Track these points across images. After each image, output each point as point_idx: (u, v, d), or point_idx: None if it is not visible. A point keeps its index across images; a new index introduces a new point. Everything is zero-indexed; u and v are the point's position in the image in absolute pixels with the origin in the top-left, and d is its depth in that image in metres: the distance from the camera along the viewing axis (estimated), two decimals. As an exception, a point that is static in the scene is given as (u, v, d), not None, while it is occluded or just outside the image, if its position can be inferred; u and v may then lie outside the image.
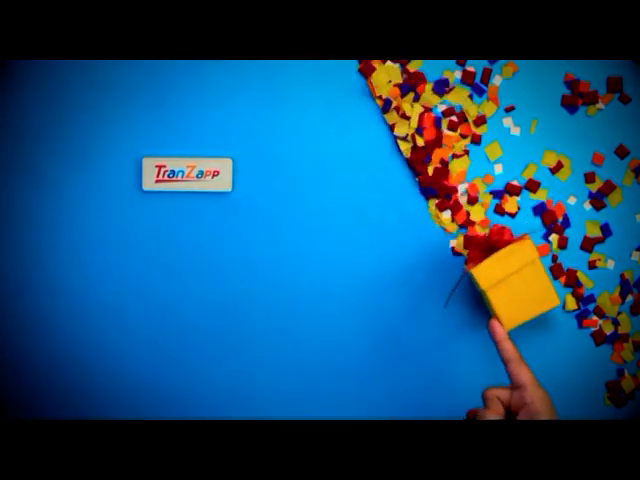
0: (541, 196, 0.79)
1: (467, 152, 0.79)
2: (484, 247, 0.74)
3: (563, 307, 0.79)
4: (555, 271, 0.79)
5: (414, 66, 0.78)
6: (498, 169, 0.80)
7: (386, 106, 0.78)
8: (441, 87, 0.78)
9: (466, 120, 0.79)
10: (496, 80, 0.79)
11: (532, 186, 0.79)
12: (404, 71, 0.78)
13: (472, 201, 0.79)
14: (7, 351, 0.81)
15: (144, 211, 0.80)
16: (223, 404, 0.81)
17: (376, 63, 0.78)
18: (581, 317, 0.79)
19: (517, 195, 0.79)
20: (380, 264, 0.80)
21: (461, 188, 0.79)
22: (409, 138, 0.78)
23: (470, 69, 0.78)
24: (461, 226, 0.79)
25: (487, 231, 0.79)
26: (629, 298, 0.79)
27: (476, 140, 0.79)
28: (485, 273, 0.71)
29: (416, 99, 0.78)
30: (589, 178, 0.79)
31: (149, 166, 0.79)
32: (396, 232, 0.80)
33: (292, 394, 0.81)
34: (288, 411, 0.81)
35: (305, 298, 0.81)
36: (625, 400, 0.79)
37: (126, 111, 0.79)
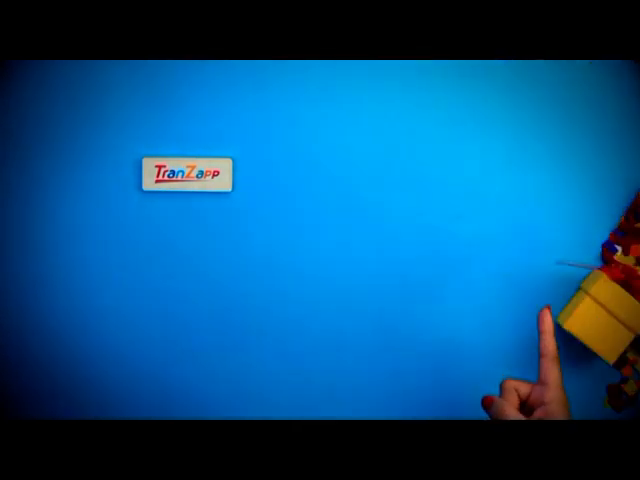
0: None
1: None
2: (623, 279, 0.75)
3: None
4: None
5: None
6: None
7: None
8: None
9: None
10: None
11: None
12: None
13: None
14: (7, 351, 0.81)
15: (144, 211, 0.80)
16: (223, 404, 0.81)
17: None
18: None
19: None
20: (379, 264, 0.80)
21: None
22: None
23: None
24: None
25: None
26: None
27: None
28: (604, 292, 0.74)
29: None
30: None
31: (149, 166, 0.79)
32: (395, 231, 0.80)
33: (292, 394, 0.81)
34: (288, 411, 0.81)
35: (305, 297, 0.81)
36: (626, 403, 0.79)
37: (126, 111, 0.79)
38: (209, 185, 0.80)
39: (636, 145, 0.80)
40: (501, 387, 0.66)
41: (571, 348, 0.79)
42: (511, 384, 0.65)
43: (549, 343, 0.66)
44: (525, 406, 0.65)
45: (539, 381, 0.64)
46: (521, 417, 0.62)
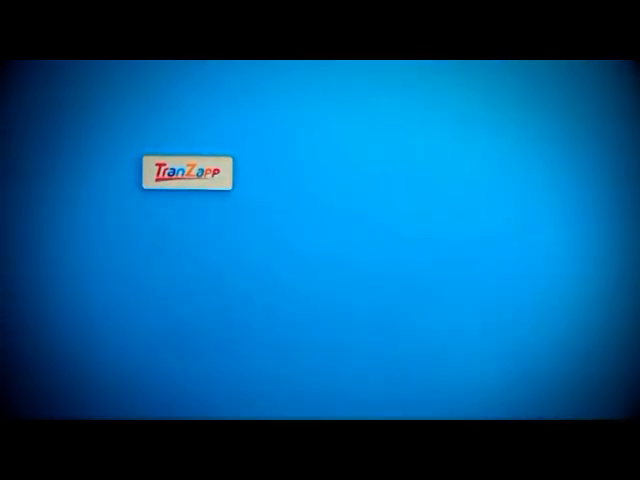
0: None
1: None
2: None
3: None
4: None
5: None
6: None
7: None
8: None
9: None
10: None
11: None
12: None
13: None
14: (7, 350, 0.80)
15: (144, 209, 0.80)
16: (223, 404, 0.81)
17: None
18: None
19: None
20: (379, 263, 0.80)
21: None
22: None
23: None
24: None
25: None
26: None
27: None
28: None
29: None
30: None
31: (149, 164, 0.79)
32: (394, 230, 0.80)
33: (292, 394, 0.81)
34: (287, 411, 0.81)
35: (305, 296, 0.81)
36: None
37: (126, 110, 0.79)
38: (209, 183, 0.80)
39: (636, 145, 0.80)
40: None
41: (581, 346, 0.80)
42: None
43: None
44: None
45: None
46: None
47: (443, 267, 0.80)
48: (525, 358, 0.79)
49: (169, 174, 0.79)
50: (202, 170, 0.80)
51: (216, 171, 0.80)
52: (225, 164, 0.80)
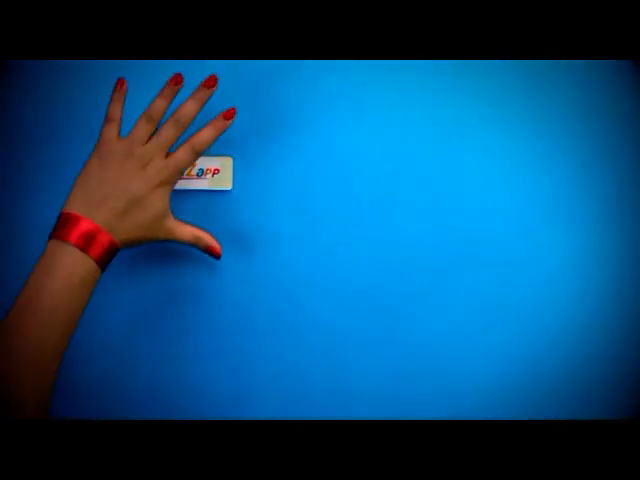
0: None
1: None
2: None
3: None
4: None
5: None
6: None
7: None
8: None
9: None
10: None
11: None
12: None
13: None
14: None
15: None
16: (223, 404, 0.81)
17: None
18: None
19: None
20: (380, 263, 0.81)
21: None
22: None
23: None
24: None
25: None
26: None
27: None
28: None
29: None
30: None
31: (149, 165, 0.79)
32: (395, 231, 0.80)
33: (293, 394, 0.81)
34: (288, 411, 0.81)
35: (305, 296, 0.81)
36: None
37: (126, 110, 0.79)
38: (209, 183, 0.80)
39: (636, 145, 0.80)
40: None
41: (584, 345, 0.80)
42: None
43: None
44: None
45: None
46: None
47: (443, 267, 0.80)
48: (525, 358, 0.79)
49: (169, 174, 0.79)
50: (202, 170, 0.80)
51: (216, 171, 0.80)
52: (225, 164, 0.80)
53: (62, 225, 0.63)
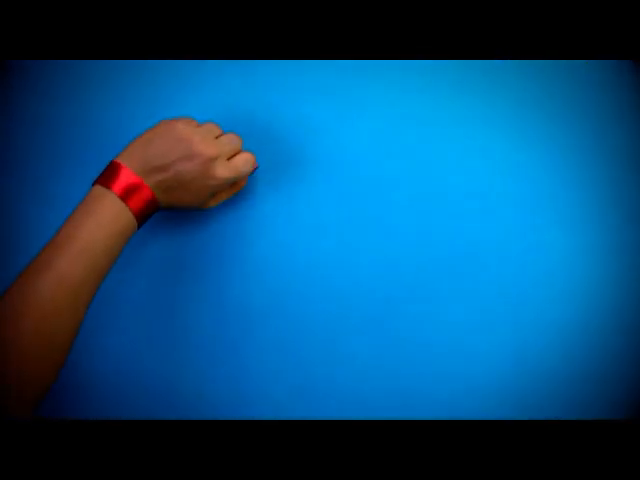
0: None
1: None
2: None
3: None
4: None
5: None
6: None
7: None
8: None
9: None
10: None
11: None
12: None
13: None
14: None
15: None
16: (223, 404, 0.81)
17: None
18: None
19: None
20: (380, 264, 0.81)
21: None
22: None
23: None
24: None
25: None
26: None
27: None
28: None
29: None
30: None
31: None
32: (395, 231, 0.80)
33: (293, 394, 0.81)
34: (288, 411, 0.81)
35: (305, 296, 0.81)
36: None
37: (126, 110, 0.79)
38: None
39: (636, 145, 0.80)
40: None
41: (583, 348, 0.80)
42: None
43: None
44: None
45: None
46: None
47: (443, 267, 0.80)
48: (525, 358, 0.79)
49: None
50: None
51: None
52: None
53: (110, 173, 0.64)
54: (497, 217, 0.80)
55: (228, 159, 0.70)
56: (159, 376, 0.81)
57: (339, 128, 0.81)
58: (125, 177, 0.64)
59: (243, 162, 0.71)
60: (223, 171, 0.69)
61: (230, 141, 0.70)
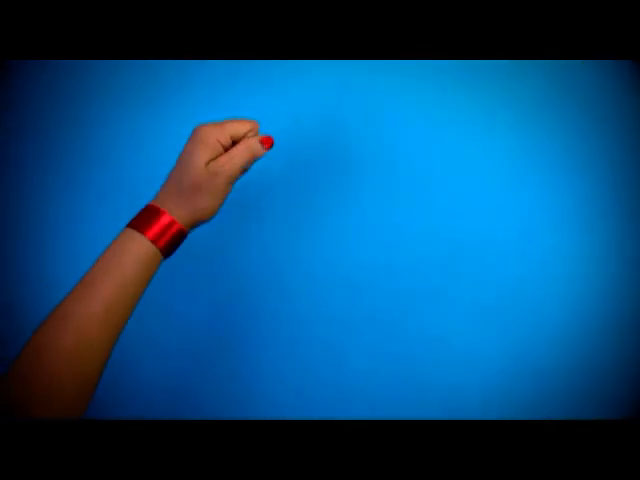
0: None
1: None
2: None
3: None
4: None
5: None
6: None
7: None
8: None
9: None
10: None
11: None
12: None
13: None
14: (9, 350, 0.80)
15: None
16: (223, 404, 0.81)
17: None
18: None
19: None
20: (381, 264, 0.81)
21: None
22: None
23: None
24: None
25: None
26: None
27: None
28: None
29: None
30: None
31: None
32: (396, 231, 0.80)
33: (294, 394, 0.81)
34: (287, 411, 0.81)
35: (305, 296, 0.81)
36: None
37: (126, 110, 0.79)
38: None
39: (636, 145, 0.80)
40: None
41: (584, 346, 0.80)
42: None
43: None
44: None
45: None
46: None
47: (444, 267, 0.80)
48: (525, 358, 0.79)
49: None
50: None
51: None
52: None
53: (147, 218, 0.62)
54: (498, 217, 0.80)
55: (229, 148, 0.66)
56: (159, 376, 0.81)
57: (338, 127, 0.81)
58: (160, 220, 0.62)
59: (241, 151, 0.65)
60: (220, 179, 0.64)
61: (239, 165, 0.66)
